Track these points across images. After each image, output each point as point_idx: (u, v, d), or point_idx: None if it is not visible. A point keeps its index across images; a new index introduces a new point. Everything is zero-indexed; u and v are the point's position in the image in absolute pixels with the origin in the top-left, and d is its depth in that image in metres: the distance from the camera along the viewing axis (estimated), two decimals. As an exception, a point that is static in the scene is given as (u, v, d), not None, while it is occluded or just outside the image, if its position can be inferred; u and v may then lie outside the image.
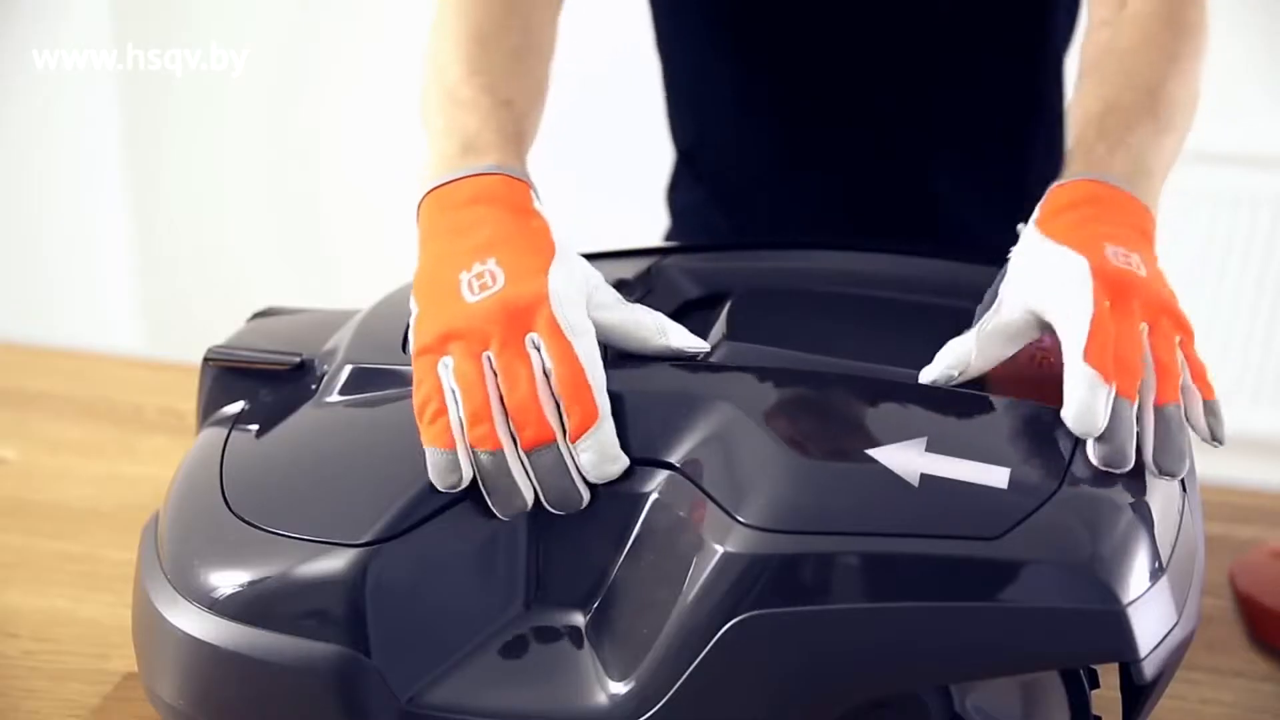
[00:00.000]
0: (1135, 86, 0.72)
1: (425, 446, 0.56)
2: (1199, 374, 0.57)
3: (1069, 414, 0.53)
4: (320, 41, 2.34)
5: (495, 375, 0.56)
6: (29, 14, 2.16)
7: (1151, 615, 0.49)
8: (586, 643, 0.56)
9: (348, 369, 0.63)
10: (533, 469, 0.55)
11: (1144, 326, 0.56)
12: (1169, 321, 0.57)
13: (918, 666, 0.50)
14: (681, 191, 1.09)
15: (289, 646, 0.53)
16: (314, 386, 0.64)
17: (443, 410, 0.56)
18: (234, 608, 0.54)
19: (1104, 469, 0.52)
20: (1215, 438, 0.55)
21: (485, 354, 0.57)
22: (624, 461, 0.56)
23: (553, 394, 0.56)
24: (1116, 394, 0.53)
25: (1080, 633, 0.48)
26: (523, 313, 0.57)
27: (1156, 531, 0.51)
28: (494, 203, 0.64)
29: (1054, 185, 0.65)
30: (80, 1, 2.29)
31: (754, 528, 0.50)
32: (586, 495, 0.56)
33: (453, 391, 0.56)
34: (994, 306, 0.60)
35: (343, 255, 2.46)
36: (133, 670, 0.67)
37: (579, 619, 0.57)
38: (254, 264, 2.48)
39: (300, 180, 2.45)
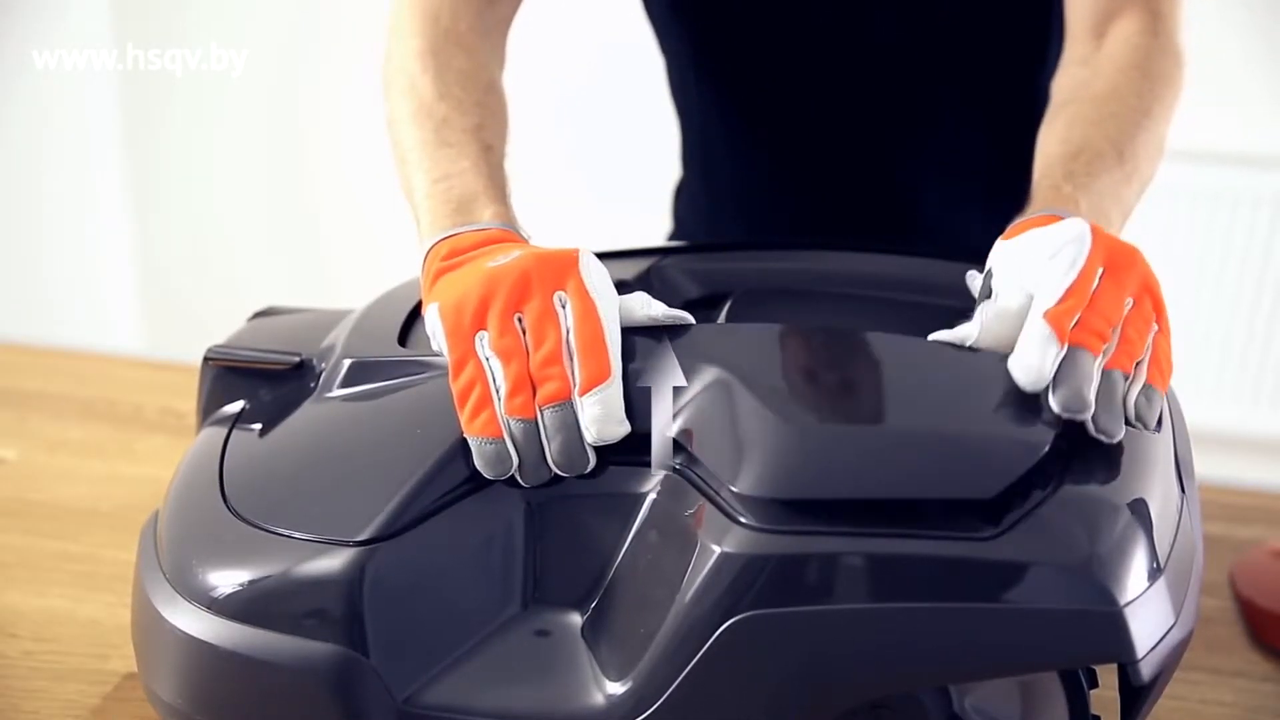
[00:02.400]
0: (1105, 135, 0.72)
1: (471, 438, 0.56)
2: (1157, 363, 0.57)
3: (1013, 362, 0.54)
4: (320, 41, 2.34)
5: (525, 335, 0.57)
6: (29, 14, 2.16)
7: (1149, 616, 0.49)
8: (584, 643, 0.56)
9: (346, 363, 0.63)
10: (545, 426, 0.56)
11: (1129, 301, 0.57)
12: (1152, 308, 0.58)
13: (915, 667, 0.50)
14: (685, 199, 1.10)
15: (287, 646, 0.53)
16: (313, 385, 0.64)
17: (486, 400, 0.56)
18: (232, 607, 0.54)
19: (1065, 415, 0.52)
20: (1141, 420, 0.55)
21: (517, 315, 0.57)
22: (628, 426, 0.56)
23: (570, 353, 0.56)
24: (1081, 347, 0.54)
25: (1077, 633, 0.48)
26: (557, 268, 0.59)
27: (1154, 532, 0.51)
28: (504, 241, 0.65)
29: (1017, 220, 0.65)
30: (80, 1, 2.29)
31: (752, 528, 0.50)
32: (593, 459, 0.56)
33: (488, 361, 0.57)
34: (991, 298, 0.59)
35: (342, 255, 2.46)
36: (133, 670, 0.67)
37: (576, 619, 0.57)
38: (253, 264, 2.48)
39: (300, 180, 2.45)
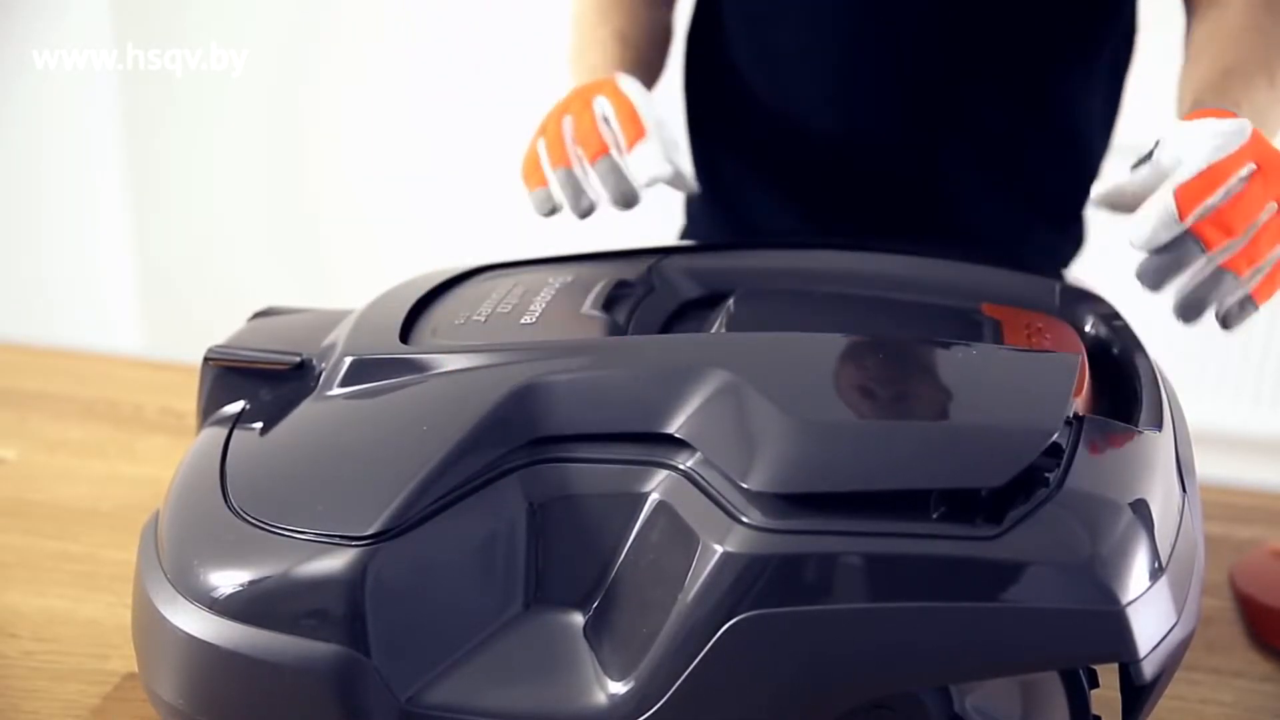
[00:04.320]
0: (1255, 59, 0.75)
1: (528, 192, 0.77)
2: (1274, 277, 0.58)
3: (1132, 221, 0.58)
4: (320, 41, 2.34)
5: (566, 128, 0.78)
6: (29, 14, 2.16)
7: (1151, 615, 0.49)
8: (586, 642, 0.56)
9: (348, 361, 0.63)
10: (596, 178, 0.75)
11: (1271, 206, 0.57)
12: None
13: (917, 667, 0.50)
14: (695, 204, 1.10)
15: (289, 646, 0.53)
16: (314, 385, 0.64)
17: (536, 166, 0.78)
18: (234, 607, 0.54)
19: (1150, 290, 0.57)
20: (1224, 324, 0.59)
21: (565, 117, 0.78)
22: (670, 166, 0.75)
23: (611, 130, 0.76)
24: (1206, 247, 0.56)
25: (1079, 633, 0.48)
26: (591, 89, 0.80)
27: (1156, 531, 0.51)
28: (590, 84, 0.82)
29: (1190, 110, 0.67)
30: (80, 1, 2.29)
31: (754, 527, 0.51)
32: (641, 194, 0.74)
33: (542, 154, 0.78)
34: (1149, 159, 0.62)
35: (342, 255, 2.46)
36: (133, 670, 0.67)
37: (578, 618, 0.57)
38: (253, 264, 2.48)
39: (300, 180, 2.45)
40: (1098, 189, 0.65)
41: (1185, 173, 0.58)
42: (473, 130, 2.30)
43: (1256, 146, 0.58)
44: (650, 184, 0.74)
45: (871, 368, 0.58)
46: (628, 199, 0.74)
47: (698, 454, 0.55)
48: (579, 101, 0.79)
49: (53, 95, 2.26)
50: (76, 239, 2.42)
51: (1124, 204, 0.64)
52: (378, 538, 0.53)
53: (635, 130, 0.75)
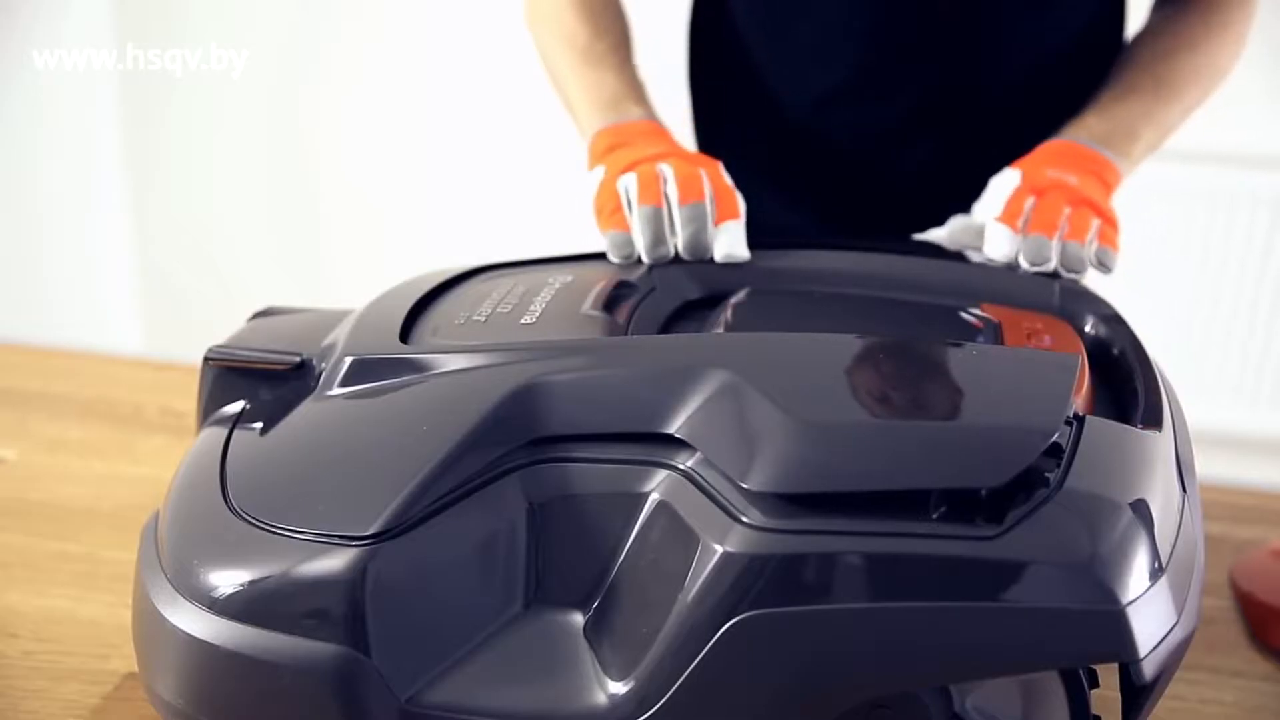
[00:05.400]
0: (1143, 67, 0.91)
1: (604, 232, 0.77)
2: (1106, 237, 0.77)
3: (985, 247, 0.77)
4: (320, 41, 2.34)
5: (666, 183, 0.77)
6: (29, 14, 2.16)
7: (1151, 615, 0.49)
8: (586, 642, 0.56)
9: (348, 360, 0.63)
10: (681, 220, 0.75)
11: (1066, 210, 0.76)
12: (1092, 212, 0.77)
13: (917, 666, 0.50)
14: None
15: (289, 646, 0.53)
16: (314, 385, 0.64)
17: (618, 206, 0.77)
18: (234, 607, 0.54)
19: (1031, 267, 0.74)
20: (1104, 265, 0.76)
21: (660, 165, 0.78)
22: (748, 255, 0.75)
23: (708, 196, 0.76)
24: (1035, 232, 0.75)
25: (1079, 633, 0.48)
26: (690, 158, 0.80)
27: (1156, 531, 0.51)
28: (657, 134, 0.86)
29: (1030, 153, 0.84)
30: (80, 1, 2.29)
31: (754, 527, 0.50)
32: (711, 256, 0.75)
33: (627, 191, 0.77)
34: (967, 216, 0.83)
35: (342, 255, 2.46)
36: (133, 670, 0.67)
37: (578, 618, 0.57)
38: (254, 264, 2.48)
39: (300, 180, 2.45)
40: (942, 234, 0.84)
41: (996, 210, 0.78)
42: (473, 130, 2.30)
43: (1027, 185, 0.79)
44: (724, 260, 0.75)
45: (872, 367, 0.58)
46: (699, 250, 0.75)
47: (698, 454, 0.55)
48: (676, 158, 0.80)
49: (53, 95, 2.26)
50: (76, 239, 2.42)
51: (965, 243, 0.82)
52: (378, 538, 0.53)
53: (731, 209, 0.76)
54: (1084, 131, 0.85)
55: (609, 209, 0.78)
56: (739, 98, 1.04)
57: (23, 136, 2.25)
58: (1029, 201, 0.78)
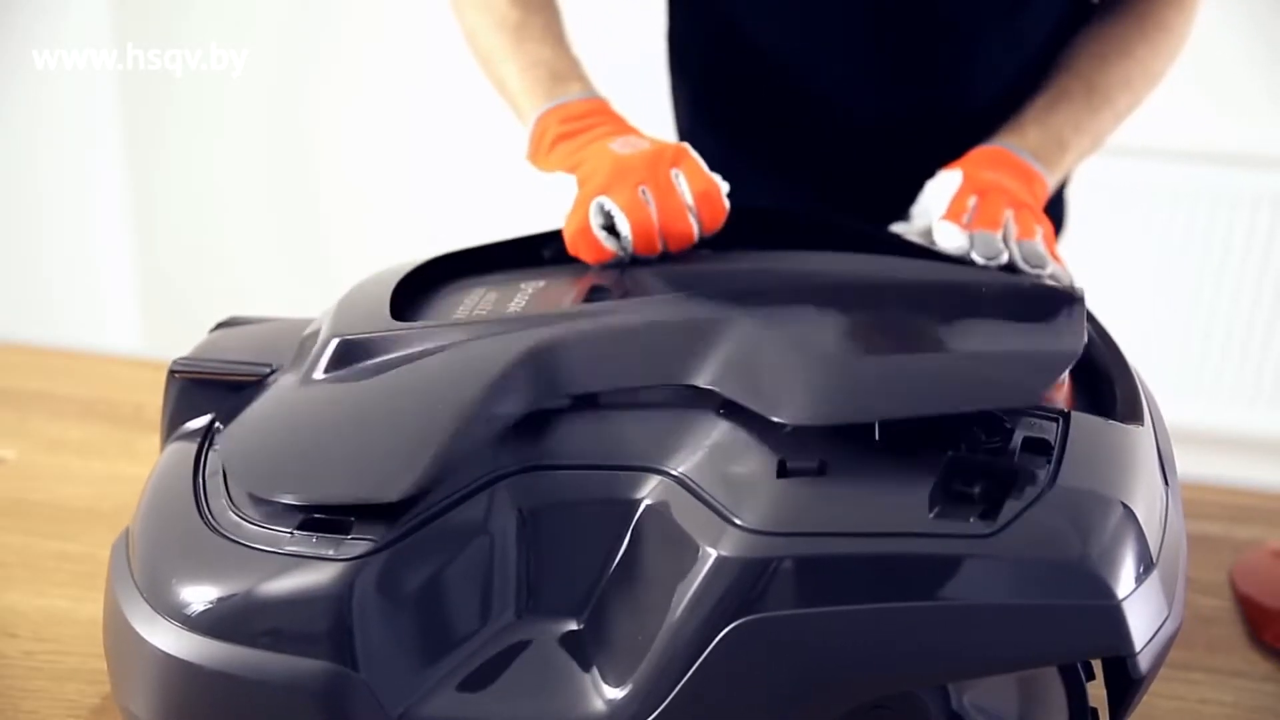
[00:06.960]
0: (1076, 75, 0.92)
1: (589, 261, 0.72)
2: (1047, 241, 0.77)
3: (937, 241, 0.76)
4: (320, 41, 2.34)
5: (650, 203, 0.72)
6: (29, 14, 2.16)
7: (1145, 609, 0.49)
8: (581, 650, 0.55)
9: (334, 342, 0.61)
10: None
11: (1008, 212, 0.77)
12: (1030, 215, 0.78)
13: (916, 666, 0.50)
14: None
15: (273, 663, 0.51)
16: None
17: (596, 244, 0.72)
18: (217, 624, 0.52)
19: (985, 261, 0.73)
20: (1036, 264, 0.74)
21: (641, 187, 0.72)
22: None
23: (692, 209, 0.73)
24: (980, 228, 0.75)
25: (1077, 628, 0.48)
26: (663, 157, 0.75)
27: (1146, 525, 0.51)
28: (605, 114, 0.82)
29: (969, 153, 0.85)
30: (80, 1, 2.29)
31: (747, 530, 0.50)
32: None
33: (609, 215, 0.72)
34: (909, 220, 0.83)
35: (342, 256, 2.46)
36: (132, 670, 0.67)
37: (573, 626, 0.56)
38: (254, 264, 2.48)
39: (300, 180, 2.45)
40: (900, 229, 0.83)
41: (940, 210, 0.79)
42: (473, 130, 2.30)
43: (968, 186, 0.80)
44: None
45: (893, 306, 0.61)
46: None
47: (689, 461, 0.55)
48: (655, 173, 0.73)
49: (53, 95, 2.26)
50: (76, 239, 2.42)
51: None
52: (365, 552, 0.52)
53: (718, 212, 0.74)
54: (1018, 139, 0.87)
55: (584, 247, 0.73)
56: (733, 75, 1.02)
57: (23, 136, 2.25)
58: (971, 200, 0.79)
